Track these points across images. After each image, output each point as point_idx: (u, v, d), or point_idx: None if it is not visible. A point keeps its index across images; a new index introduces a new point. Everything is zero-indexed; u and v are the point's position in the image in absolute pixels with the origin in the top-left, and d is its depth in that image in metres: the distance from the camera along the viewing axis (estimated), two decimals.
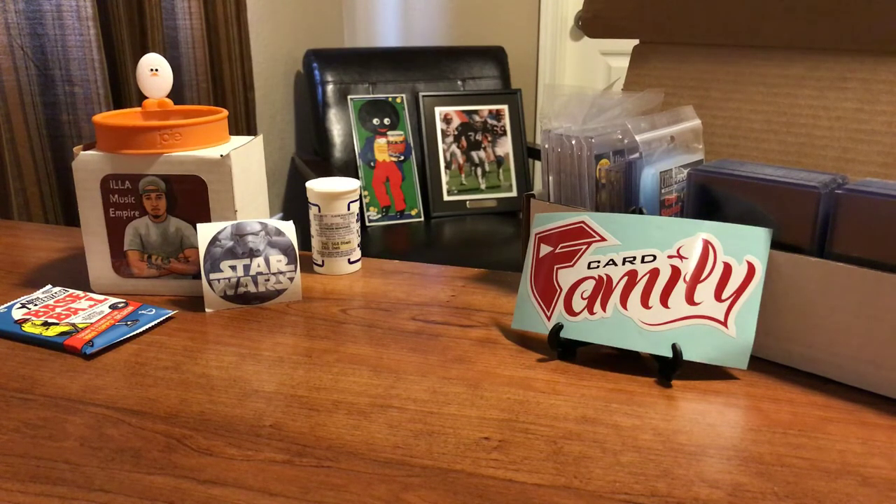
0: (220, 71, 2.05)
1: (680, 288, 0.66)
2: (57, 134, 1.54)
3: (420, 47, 2.59)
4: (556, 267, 0.72)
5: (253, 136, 0.88)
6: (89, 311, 0.78)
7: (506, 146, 2.33)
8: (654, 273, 0.67)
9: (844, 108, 0.74)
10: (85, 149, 0.83)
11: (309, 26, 2.64)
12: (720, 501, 0.50)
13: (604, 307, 0.68)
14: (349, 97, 2.29)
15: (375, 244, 2.04)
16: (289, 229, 0.82)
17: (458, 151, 2.29)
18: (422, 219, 2.24)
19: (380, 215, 2.19)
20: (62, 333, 0.73)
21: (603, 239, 0.70)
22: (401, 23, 2.80)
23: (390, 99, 2.30)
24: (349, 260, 0.92)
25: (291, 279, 0.82)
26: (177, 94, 1.82)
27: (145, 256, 0.84)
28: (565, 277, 0.71)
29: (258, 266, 0.80)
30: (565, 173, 0.79)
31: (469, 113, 2.32)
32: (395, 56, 2.46)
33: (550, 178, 0.81)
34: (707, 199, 0.70)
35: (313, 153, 2.47)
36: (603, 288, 0.69)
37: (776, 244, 0.66)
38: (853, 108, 0.73)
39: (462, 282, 0.89)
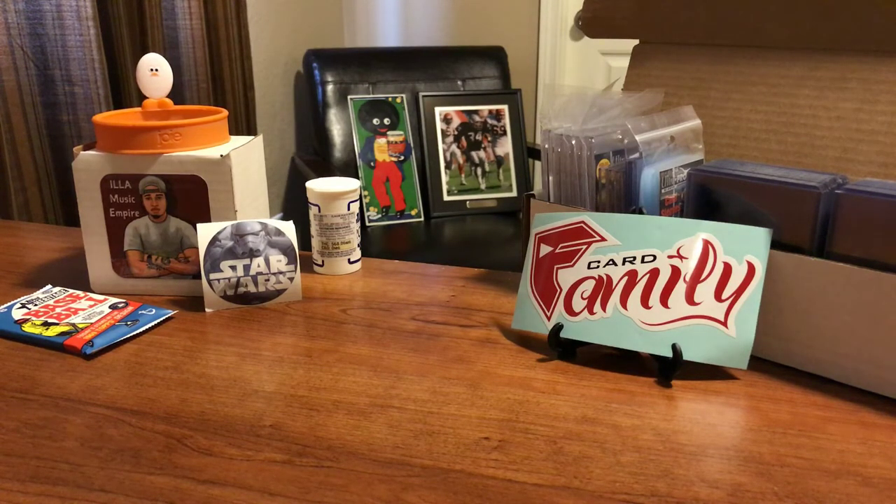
0: (220, 71, 2.05)
1: (680, 288, 0.66)
2: (57, 134, 1.54)
3: (420, 47, 2.58)
4: (556, 267, 0.72)
5: (253, 136, 0.88)
6: (89, 311, 0.78)
7: (506, 146, 2.33)
8: (654, 273, 0.67)
9: (844, 108, 0.74)
10: (85, 149, 0.83)
11: (309, 26, 2.64)
12: (720, 501, 0.50)
13: (604, 307, 0.68)
14: (349, 97, 2.29)
15: (375, 244, 2.04)
16: (289, 229, 0.82)
17: (458, 151, 2.29)
18: (422, 219, 2.24)
19: (380, 215, 2.19)
20: (62, 333, 0.73)
21: (603, 239, 0.70)
22: (401, 23, 2.80)
23: (390, 99, 2.30)
24: (349, 260, 0.92)
25: (291, 279, 0.82)
26: (177, 94, 1.82)
27: (145, 256, 0.84)
28: (565, 277, 0.71)
29: (258, 266, 0.80)
30: (565, 173, 0.79)
31: (469, 113, 2.32)
32: (395, 56, 2.46)
33: (550, 178, 0.81)
34: (707, 199, 0.70)
35: (313, 153, 2.47)
36: (603, 288, 0.69)
37: (776, 244, 0.66)
38: (853, 108, 0.73)
39: (462, 282, 0.89)
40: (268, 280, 0.81)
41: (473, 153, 2.30)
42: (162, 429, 0.59)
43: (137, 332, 0.75)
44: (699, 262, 0.66)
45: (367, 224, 2.17)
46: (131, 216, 0.82)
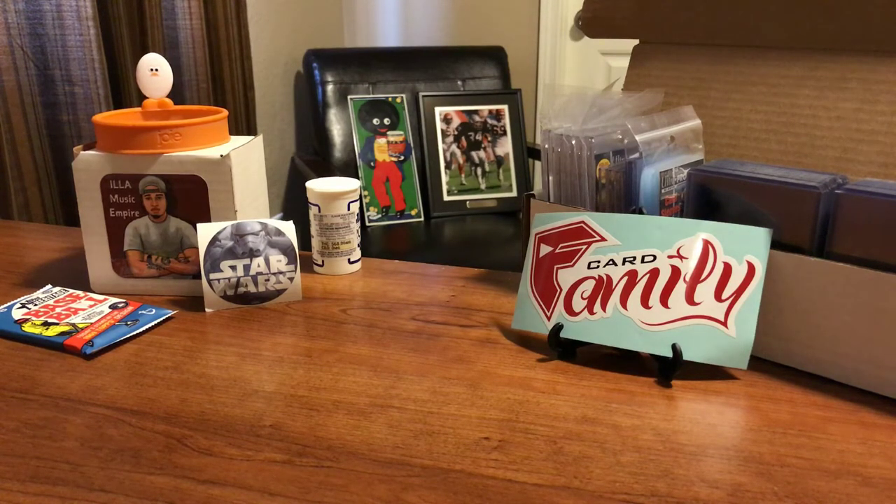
0: (220, 71, 2.05)
1: (680, 288, 0.66)
2: (57, 134, 1.54)
3: (420, 47, 2.58)
4: (556, 267, 0.72)
5: (253, 136, 0.88)
6: (89, 311, 0.78)
7: (506, 146, 2.33)
8: (654, 273, 0.67)
9: (844, 108, 0.74)
10: (85, 149, 0.83)
11: (309, 26, 2.64)
12: (720, 501, 0.50)
13: (604, 307, 0.68)
14: (349, 97, 2.29)
15: (375, 244, 2.04)
16: (289, 229, 0.82)
17: (458, 151, 2.29)
18: (422, 219, 2.24)
19: (380, 215, 2.19)
20: (62, 333, 0.73)
21: (603, 239, 0.70)
22: (401, 23, 2.80)
23: (390, 99, 2.30)
24: (349, 260, 0.92)
25: (291, 279, 0.82)
26: (177, 94, 1.82)
27: (145, 256, 0.84)
28: (565, 277, 0.71)
29: (258, 266, 0.80)
30: (565, 173, 0.79)
31: (469, 113, 2.32)
32: (395, 56, 2.46)
33: (550, 178, 0.81)
34: (707, 199, 0.70)
35: (313, 153, 2.47)
36: (603, 288, 0.69)
37: (776, 244, 0.66)
38: (853, 108, 0.73)
39: (462, 282, 0.89)
40: (268, 280, 0.81)
41: (473, 153, 2.30)
42: (162, 429, 0.59)
43: (137, 332, 0.75)
44: (699, 262, 0.66)
45: (367, 224, 2.17)
46: (131, 216, 0.82)
